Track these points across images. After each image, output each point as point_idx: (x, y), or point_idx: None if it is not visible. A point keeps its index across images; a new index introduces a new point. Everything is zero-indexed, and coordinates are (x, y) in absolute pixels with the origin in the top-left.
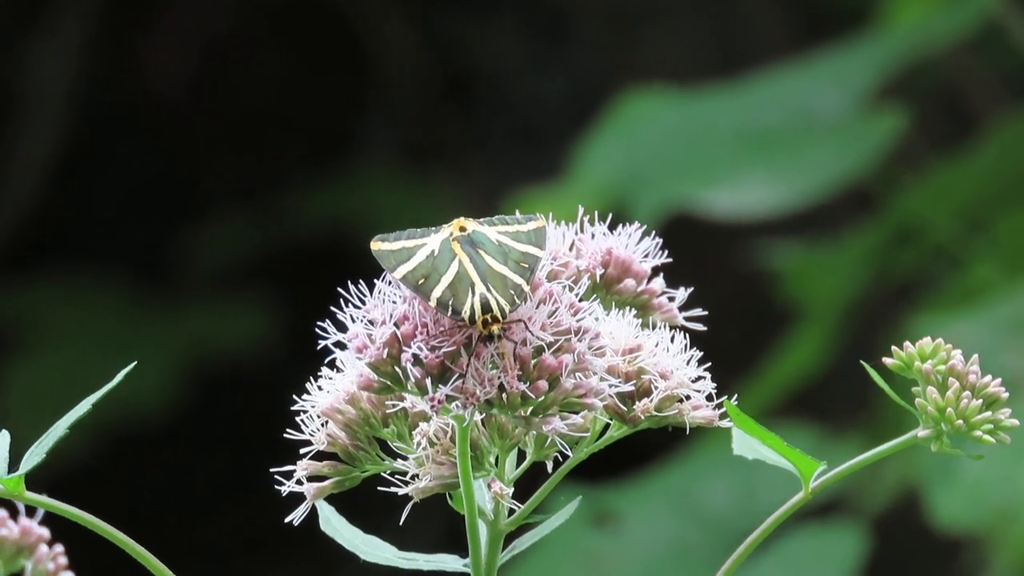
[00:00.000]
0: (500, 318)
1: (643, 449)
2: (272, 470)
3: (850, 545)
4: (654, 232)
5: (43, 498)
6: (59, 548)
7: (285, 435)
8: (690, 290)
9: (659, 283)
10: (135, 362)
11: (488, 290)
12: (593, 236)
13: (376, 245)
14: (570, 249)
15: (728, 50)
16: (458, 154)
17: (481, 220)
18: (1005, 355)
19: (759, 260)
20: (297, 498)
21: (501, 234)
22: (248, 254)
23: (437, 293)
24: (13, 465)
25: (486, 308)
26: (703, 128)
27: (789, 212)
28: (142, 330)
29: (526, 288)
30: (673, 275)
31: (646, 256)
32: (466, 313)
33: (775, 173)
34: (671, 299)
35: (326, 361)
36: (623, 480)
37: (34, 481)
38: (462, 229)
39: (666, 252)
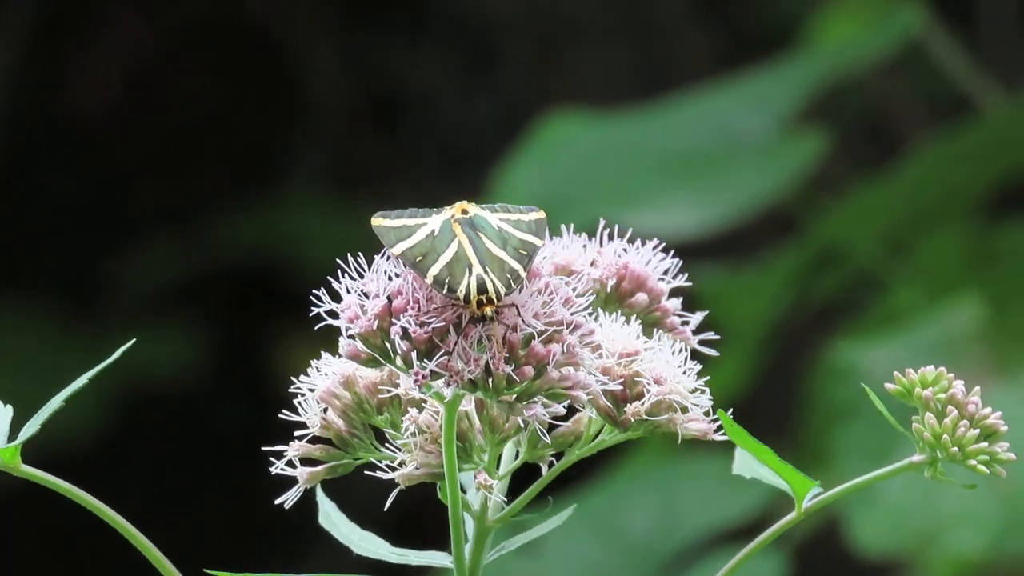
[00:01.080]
0: (495, 300)
1: (564, 472)
2: (264, 448)
3: (771, 569)
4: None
5: (37, 471)
6: None
7: (280, 416)
8: (706, 313)
9: (675, 304)
10: (134, 339)
11: (485, 272)
12: (614, 252)
13: (377, 221)
14: (591, 264)
15: (653, 72)
16: (386, 178)
17: (483, 205)
18: None
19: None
20: (283, 486)
21: (502, 221)
22: (176, 278)
23: (434, 271)
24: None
25: (482, 288)
26: (625, 150)
27: (711, 234)
28: (70, 355)
29: (523, 274)
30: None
31: (664, 275)
32: (461, 292)
33: (697, 195)
34: (685, 323)
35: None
36: (544, 503)
37: None
38: (464, 212)
39: (686, 276)
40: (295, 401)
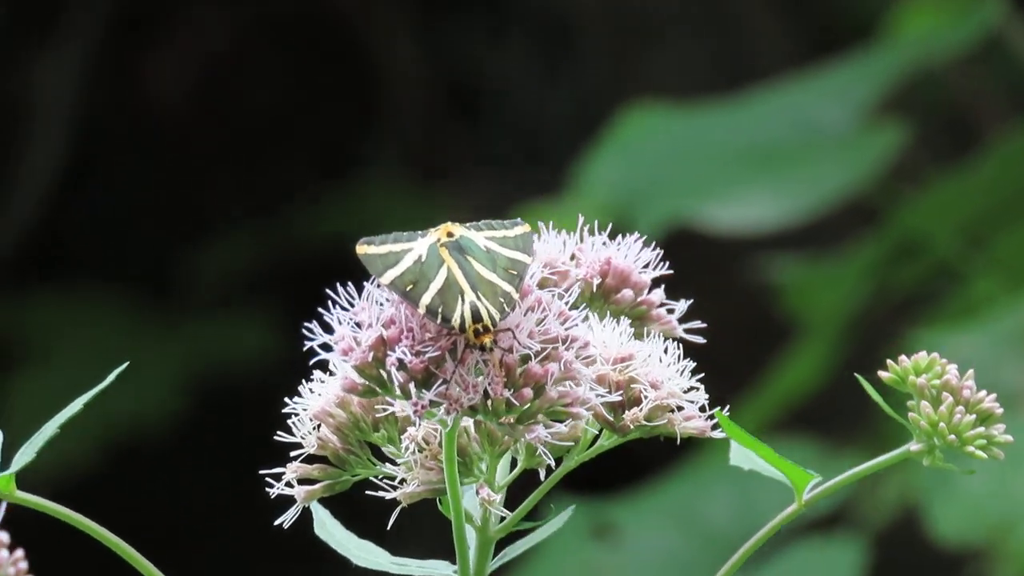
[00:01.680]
0: (490, 328)
1: (644, 462)
2: (262, 472)
3: (851, 559)
4: (655, 244)
5: (35, 498)
6: (19, 553)
7: (276, 438)
8: (690, 302)
9: (659, 295)
10: (127, 363)
11: (478, 298)
12: (593, 246)
13: (362, 249)
14: (571, 259)
15: (733, 65)
16: (464, 169)
17: (468, 225)
18: (1006, 370)
19: (761, 274)
20: (291, 502)
21: (488, 240)
22: (252, 270)
23: (426, 300)
24: (4, 465)
25: (477, 317)
26: (705, 143)
27: (791, 227)
28: (146, 345)
29: (515, 296)
30: (674, 289)
31: (646, 267)
32: (456, 321)
33: (777, 188)
34: (670, 311)
35: (316, 364)
36: (624, 493)
37: (34, 489)
38: (449, 234)
39: (667, 265)
40: (289, 421)
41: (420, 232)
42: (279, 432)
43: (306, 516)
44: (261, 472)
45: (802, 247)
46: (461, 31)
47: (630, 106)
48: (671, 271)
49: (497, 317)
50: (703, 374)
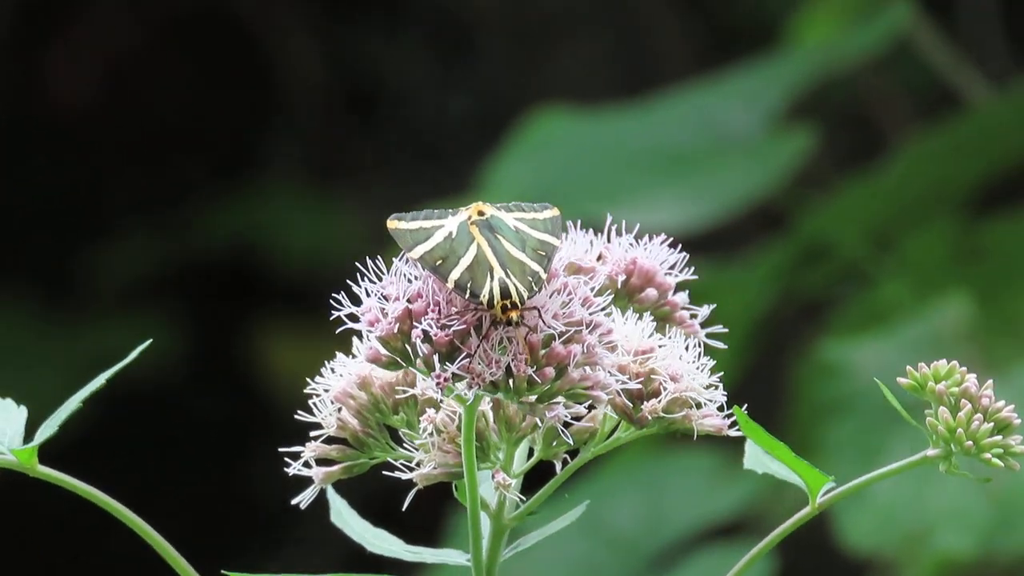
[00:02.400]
0: (519, 304)
1: (549, 467)
2: (281, 450)
3: (758, 565)
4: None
5: (56, 473)
6: None
7: (296, 417)
8: (713, 306)
9: (682, 298)
10: (151, 339)
11: (507, 275)
12: (620, 246)
13: (393, 224)
14: (597, 259)
15: (634, 68)
16: (362, 170)
17: (498, 205)
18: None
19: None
20: (293, 486)
21: (518, 221)
22: (152, 270)
23: (455, 275)
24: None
25: (505, 293)
26: (612, 147)
27: (697, 231)
28: (45, 346)
29: (543, 276)
30: None
31: (671, 269)
32: (485, 297)
33: (684, 192)
34: (693, 316)
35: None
36: (528, 498)
37: None
38: (480, 213)
39: (692, 270)
40: (310, 402)
41: (451, 210)
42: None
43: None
44: (280, 450)
45: (709, 251)
46: (359, 31)
47: (534, 108)
48: (695, 276)
49: (526, 295)
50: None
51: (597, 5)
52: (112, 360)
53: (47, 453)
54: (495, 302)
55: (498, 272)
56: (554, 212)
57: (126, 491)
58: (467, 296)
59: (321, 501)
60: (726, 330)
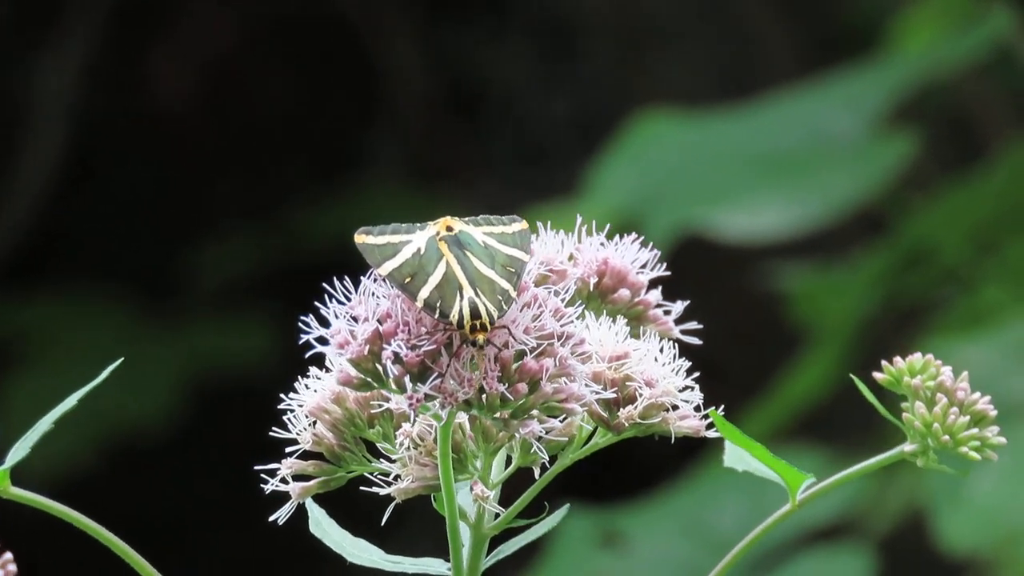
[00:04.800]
0: (487, 326)
1: (652, 470)
2: (256, 468)
3: (857, 568)
4: (664, 250)
5: (29, 494)
6: (8, 556)
7: (271, 434)
8: (687, 303)
9: (656, 295)
10: (121, 359)
11: (476, 295)
12: (591, 246)
13: (360, 238)
14: (568, 260)
15: (738, 71)
16: (466, 172)
17: (466, 219)
18: (1015, 378)
19: (770, 282)
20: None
21: (487, 235)
22: (253, 271)
23: (424, 294)
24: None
25: (475, 314)
26: (716, 150)
27: (801, 235)
28: (146, 347)
29: (513, 294)
30: (683, 296)
31: (643, 268)
32: (454, 317)
33: (787, 196)
34: (667, 312)
35: (312, 359)
36: (632, 501)
37: (33, 488)
38: (448, 228)
39: (675, 271)
40: (284, 418)
41: (419, 224)
42: (274, 429)
43: (304, 515)
44: (255, 468)
45: (811, 255)
46: (464, 32)
47: (638, 111)
48: (668, 272)
49: (495, 315)
50: (708, 379)
51: (701, 8)
52: (211, 360)
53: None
54: (464, 322)
55: (467, 291)
56: (522, 225)
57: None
58: (436, 316)
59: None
60: (700, 326)
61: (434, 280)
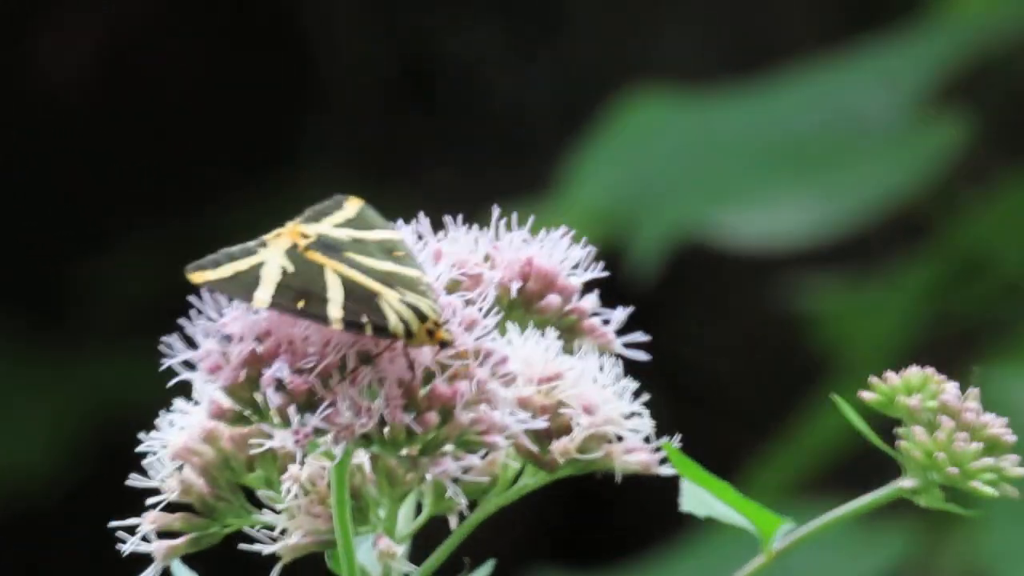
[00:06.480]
0: (438, 322)
1: (638, 532)
2: (112, 524)
3: None
4: (663, 259)
5: None
6: None
7: (128, 482)
8: (629, 310)
9: (592, 301)
10: None
11: (401, 294)
12: (511, 243)
13: (199, 276)
14: (484, 260)
15: (750, 42)
16: (424, 164)
17: (299, 220)
18: None
19: (790, 299)
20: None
21: (339, 227)
22: (163, 288)
23: (337, 314)
24: None
25: (420, 315)
26: (722, 137)
27: (827, 241)
28: (28, 386)
29: (427, 280)
30: (684, 314)
31: (576, 268)
32: (398, 327)
33: (810, 192)
34: (606, 322)
35: (176, 388)
36: (613, 569)
37: None
38: (304, 235)
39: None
40: (143, 462)
41: (250, 244)
42: (132, 475)
43: None
44: (111, 524)
45: (841, 265)
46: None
47: (628, 91)
48: (606, 273)
49: (438, 307)
50: (711, 417)
51: None
52: (112, 399)
53: (25, 512)
54: (414, 328)
55: (389, 294)
56: (358, 203)
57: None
58: (369, 332)
59: None
60: (647, 338)
61: (337, 295)
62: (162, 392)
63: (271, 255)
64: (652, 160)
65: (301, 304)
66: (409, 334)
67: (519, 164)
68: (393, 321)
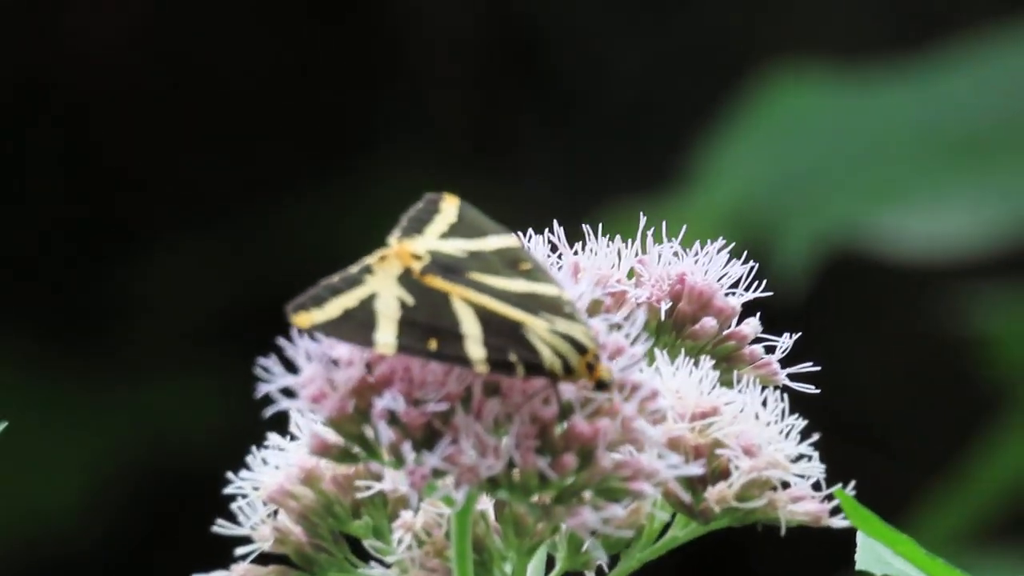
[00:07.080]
0: (598, 353)
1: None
2: None
3: None
4: (808, 267)
5: None
6: None
7: (215, 529)
8: (797, 336)
9: (753, 326)
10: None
11: (549, 321)
12: (660, 258)
13: (308, 318)
14: (629, 276)
15: (916, 9)
16: (524, 151)
17: (398, 233)
18: None
19: (959, 316)
20: None
21: (446, 240)
22: (216, 300)
23: (479, 353)
24: None
25: (579, 347)
26: (883, 125)
27: (1005, 247)
28: (59, 417)
29: (569, 299)
30: (835, 333)
31: (735, 287)
32: (555, 364)
33: (982, 191)
34: (770, 349)
35: (270, 420)
36: None
37: None
38: (415, 256)
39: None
40: (234, 505)
41: (352, 271)
42: (219, 522)
43: None
44: None
45: (1016, 275)
46: None
47: (770, 70)
48: (762, 293)
49: (594, 335)
50: (865, 452)
51: None
52: (153, 431)
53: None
54: (575, 364)
55: (536, 323)
56: (455, 201)
57: None
58: (521, 373)
59: None
60: (817, 368)
61: (472, 329)
62: (204, 418)
63: (382, 285)
64: (799, 152)
65: (433, 345)
66: (568, 370)
67: (634, 153)
68: (548, 357)
